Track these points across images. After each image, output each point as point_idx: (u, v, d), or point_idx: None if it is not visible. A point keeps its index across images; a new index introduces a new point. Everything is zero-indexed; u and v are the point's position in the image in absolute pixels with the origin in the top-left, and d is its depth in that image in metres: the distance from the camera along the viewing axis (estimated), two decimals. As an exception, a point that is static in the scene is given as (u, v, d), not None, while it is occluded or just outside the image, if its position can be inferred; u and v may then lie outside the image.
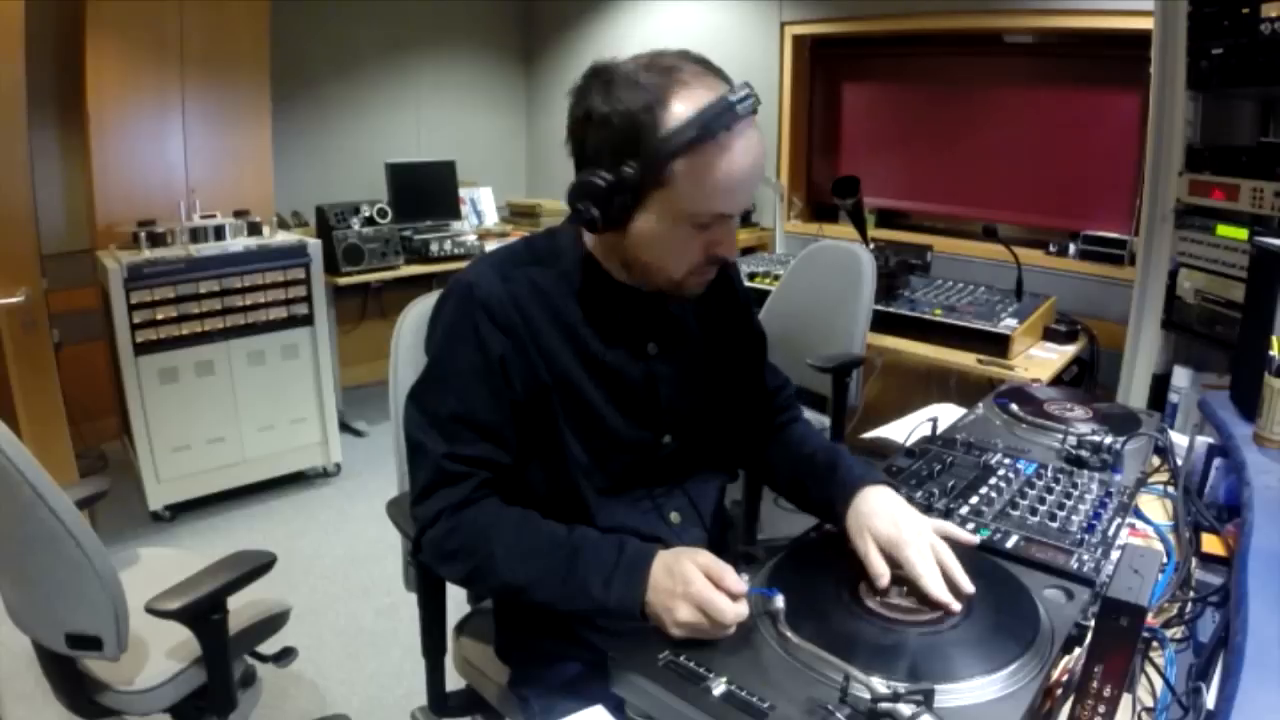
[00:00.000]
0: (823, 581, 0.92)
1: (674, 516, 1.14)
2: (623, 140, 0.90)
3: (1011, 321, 2.49)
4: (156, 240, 2.83)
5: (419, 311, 1.37)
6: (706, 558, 0.89)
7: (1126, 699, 0.76)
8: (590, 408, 1.05)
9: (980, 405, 1.55)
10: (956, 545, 0.95)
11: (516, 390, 1.01)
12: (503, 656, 1.25)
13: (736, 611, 0.84)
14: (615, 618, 0.92)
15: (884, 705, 0.70)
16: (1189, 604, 0.96)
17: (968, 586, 0.89)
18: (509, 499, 1.03)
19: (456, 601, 1.35)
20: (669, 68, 0.91)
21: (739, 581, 0.86)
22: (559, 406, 1.03)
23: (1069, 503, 1.12)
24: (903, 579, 0.91)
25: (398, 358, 1.35)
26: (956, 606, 0.87)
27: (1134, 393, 2.44)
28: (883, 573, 0.91)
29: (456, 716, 1.37)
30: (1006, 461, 1.27)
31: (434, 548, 1.00)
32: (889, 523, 0.96)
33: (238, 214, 3.08)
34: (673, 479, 1.15)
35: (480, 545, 0.97)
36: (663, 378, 1.10)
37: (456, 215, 4.09)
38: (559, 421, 1.04)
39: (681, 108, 0.89)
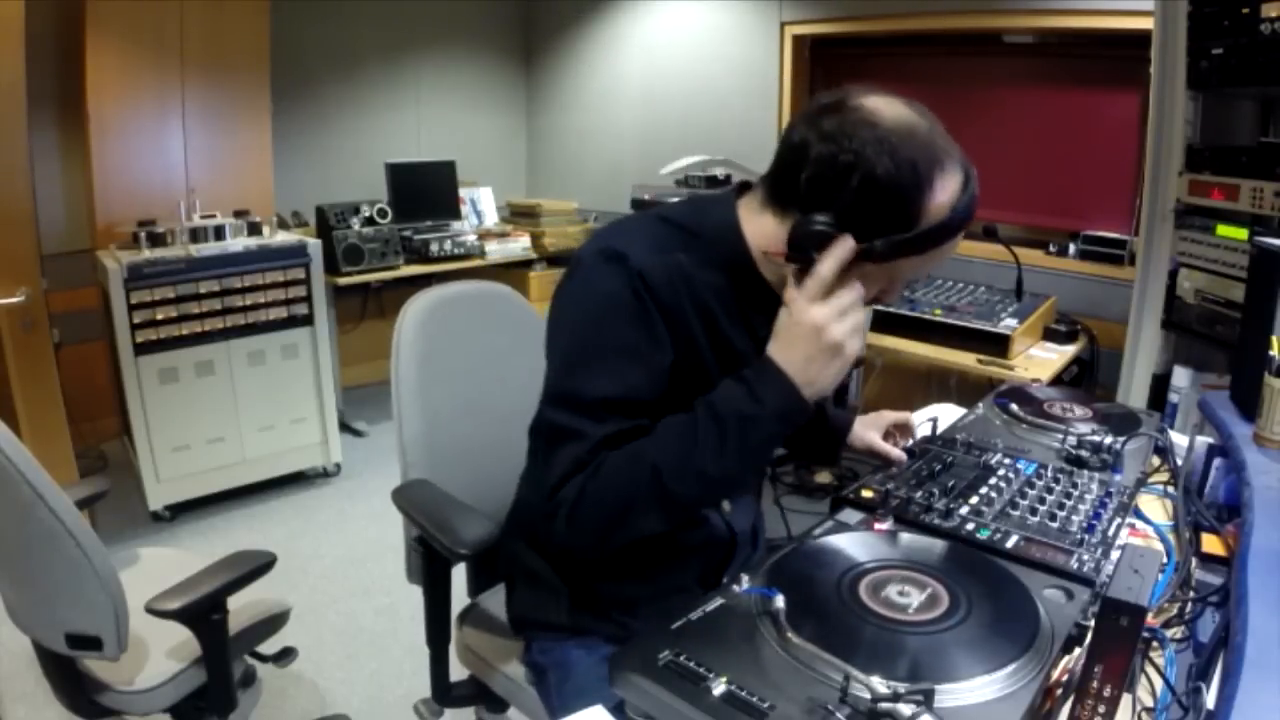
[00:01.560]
0: (823, 581, 0.92)
1: (725, 505, 1.16)
2: (882, 213, 0.90)
3: (1011, 321, 2.49)
4: (156, 240, 2.83)
5: (420, 306, 1.37)
6: (790, 304, 0.92)
7: (1126, 699, 0.76)
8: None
9: (980, 405, 1.55)
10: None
11: (660, 380, 0.98)
12: (517, 628, 1.25)
13: (838, 260, 0.88)
14: (791, 421, 0.91)
15: (884, 705, 0.69)
16: (1189, 604, 0.96)
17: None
18: None
19: (457, 593, 1.36)
20: (928, 141, 0.91)
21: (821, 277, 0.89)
22: (683, 384, 0.99)
23: (1069, 503, 1.12)
24: (905, 579, 0.91)
25: (399, 355, 1.35)
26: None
27: (1134, 393, 2.44)
28: (898, 457, 1.26)
29: (460, 706, 1.38)
30: (1006, 461, 1.27)
31: (591, 520, 0.93)
32: (878, 419, 1.36)
33: (238, 214, 3.08)
34: None
35: (636, 481, 0.91)
36: None
37: (456, 215, 4.09)
38: (678, 398, 0.99)
39: (942, 195, 0.91)
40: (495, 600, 1.38)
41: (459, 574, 1.38)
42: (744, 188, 1.05)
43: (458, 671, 1.38)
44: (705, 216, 1.04)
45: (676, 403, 0.97)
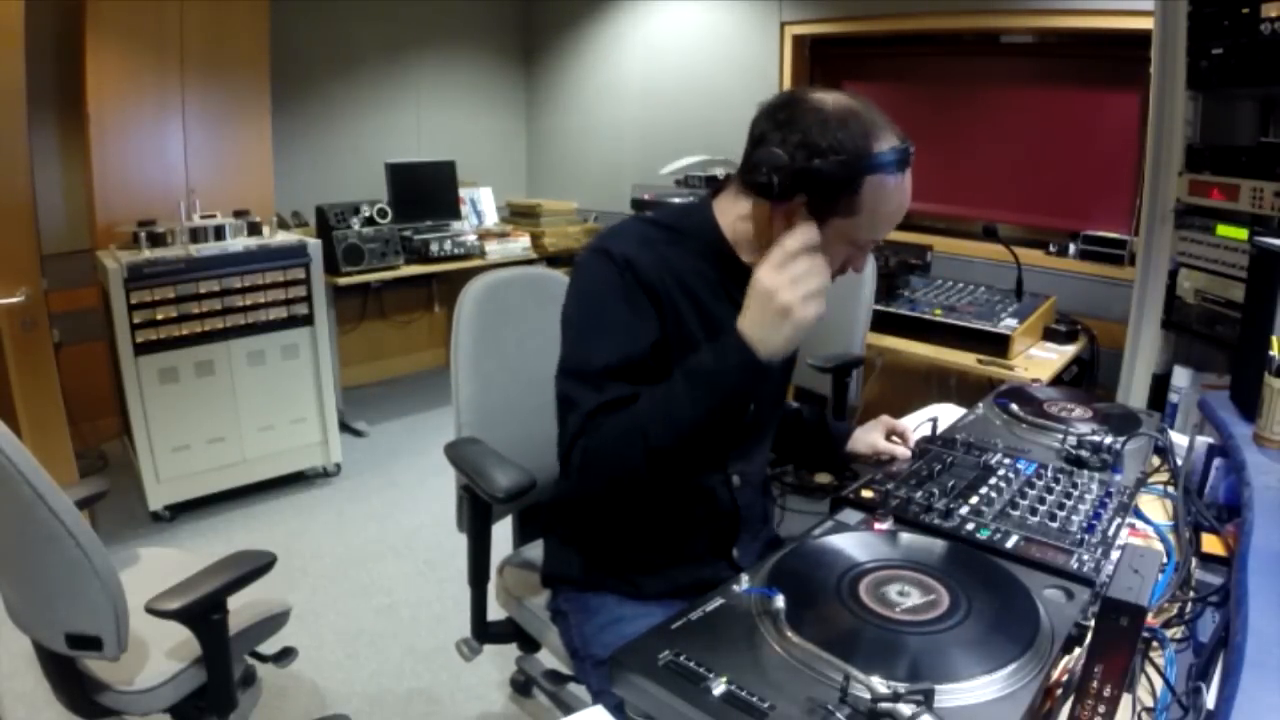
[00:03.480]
0: (823, 581, 0.92)
1: (735, 479, 1.26)
2: (825, 150, 1.02)
3: (1011, 321, 2.49)
4: (156, 240, 2.83)
5: (477, 288, 1.51)
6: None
7: (1126, 699, 0.76)
8: None
9: (980, 405, 1.55)
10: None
11: (650, 342, 1.11)
12: (546, 582, 1.40)
13: (802, 236, 0.98)
14: (750, 375, 1.02)
15: (884, 705, 0.70)
16: (1189, 604, 0.96)
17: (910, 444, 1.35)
18: None
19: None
20: (866, 119, 1.04)
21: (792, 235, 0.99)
22: (677, 358, 1.12)
23: (1069, 503, 1.13)
24: (905, 579, 0.91)
25: (458, 330, 1.49)
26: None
27: (1134, 393, 2.44)
28: (903, 454, 1.31)
29: (496, 643, 1.54)
30: (1006, 461, 1.28)
31: (595, 471, 1.08)
32: (878, 424, 1.41)
33: (238, 214, 3.08)
34: (743, 446, 1.27)
35: (628, 432, 1.04)
36: None
37: (456, 215, 4.09)
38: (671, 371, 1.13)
39: (876, 145, 1.03)
40: (534, 550, 1.55)
41: (504, 527, 1.56)
42: (719, 187, 1.20)
43: (495, 614, 1.53)
44: (687, 215, 1.21)
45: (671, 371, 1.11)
